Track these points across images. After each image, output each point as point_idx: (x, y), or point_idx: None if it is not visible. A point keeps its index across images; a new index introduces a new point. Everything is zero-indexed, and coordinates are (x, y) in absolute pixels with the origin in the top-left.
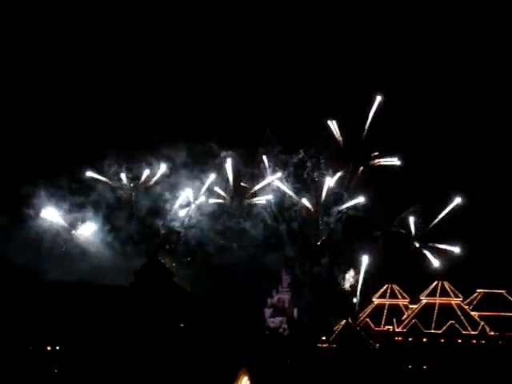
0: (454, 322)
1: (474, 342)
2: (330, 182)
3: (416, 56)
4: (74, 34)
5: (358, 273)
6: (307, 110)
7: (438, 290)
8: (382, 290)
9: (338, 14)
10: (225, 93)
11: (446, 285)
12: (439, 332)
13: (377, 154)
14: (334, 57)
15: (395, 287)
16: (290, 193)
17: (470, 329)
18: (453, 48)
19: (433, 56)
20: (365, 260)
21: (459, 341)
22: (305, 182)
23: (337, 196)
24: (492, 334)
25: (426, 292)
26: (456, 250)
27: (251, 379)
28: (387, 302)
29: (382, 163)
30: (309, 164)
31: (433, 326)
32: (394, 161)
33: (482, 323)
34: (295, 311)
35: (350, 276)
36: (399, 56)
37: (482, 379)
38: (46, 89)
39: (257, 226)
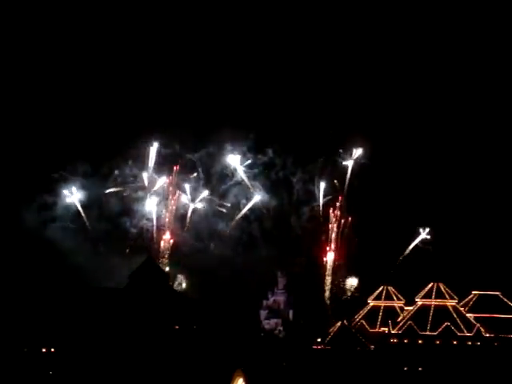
0: (449, 323)
1: (470, 343)
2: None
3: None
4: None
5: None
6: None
7: (434, 292)
8: (377, 292)
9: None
10: (193, 94)
11: (442, 286)
12: (435, 334)
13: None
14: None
15: (390, 289)
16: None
17: (465, 330)
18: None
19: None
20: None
21: (454, 342)
22: (275, 181)
23: (308, 194)
24: (487, 335)
25: (422, 294)
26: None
27: (247, 381)
28: (382, 303)
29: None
30: (277, 162)
31: (428, 327)
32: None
33: (478, 325)
34: (290, 313)
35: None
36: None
37: (478, 381)
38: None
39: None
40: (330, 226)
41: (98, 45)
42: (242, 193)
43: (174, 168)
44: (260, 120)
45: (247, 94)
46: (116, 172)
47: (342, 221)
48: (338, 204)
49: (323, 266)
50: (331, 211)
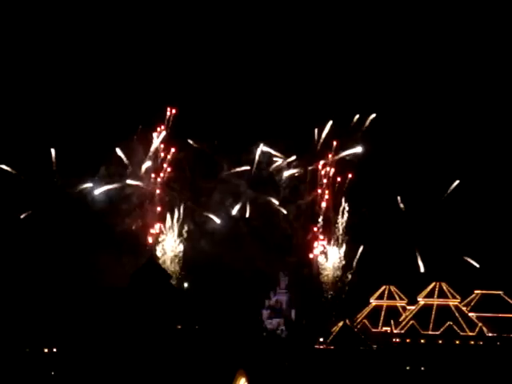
0: (451, 323)
1: (472, 343)
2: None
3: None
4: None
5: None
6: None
7: (436, 291)
8: (379, 292)
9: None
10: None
11: (444, 286)
12: (437, 333)
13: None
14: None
15: (393, 288)
16: None
17: (467, 330)
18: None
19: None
20: None
21: (457, 342)
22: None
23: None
24: (490, 335)
25: (424, 293)
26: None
27: (249, 380)
28: (385, 303)
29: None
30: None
31: (430, 327)
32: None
33: (480, 324)
34: (293, 312)
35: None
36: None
37: (480, 380)
38: None
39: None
40: (320, 191)
41: (93, 45)
42: (228, 192)
43: (168, 111)
44: (246, 116)
45: (232, 89)
46: (103, 169)
47: (338, 179)
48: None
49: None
50: (320, 166)
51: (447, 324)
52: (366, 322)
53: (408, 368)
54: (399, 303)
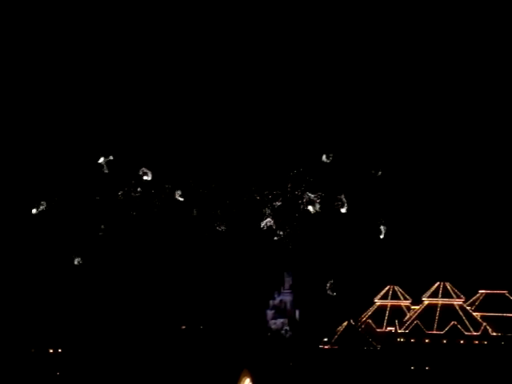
0: (456, 322)
1: (477, 342)
2: None
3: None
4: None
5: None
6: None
7: (440, 291)
8: (383, 291)
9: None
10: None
11: (448, 285)
12: (441, 333)
13: None
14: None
15: (397, 288)
16: None
17: (472, 329)
18: None
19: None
20: None
21: (461, 342)
22: None
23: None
24: (494, 334)
25: (428, 293)
26: None
27: (253, 380)
28: (389, 303)
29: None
30: None
31: (435, 326)
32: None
33: (484, 324)
34: (297, 313)
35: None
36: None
37: (485, 380)
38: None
39: None
40: None
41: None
42: None
43: None
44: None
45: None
46: None
47: None
48: None
49: None
50: None
51: (451, 324)
52: (371, 322)
53: (412, 368)
54: (403, 303)
